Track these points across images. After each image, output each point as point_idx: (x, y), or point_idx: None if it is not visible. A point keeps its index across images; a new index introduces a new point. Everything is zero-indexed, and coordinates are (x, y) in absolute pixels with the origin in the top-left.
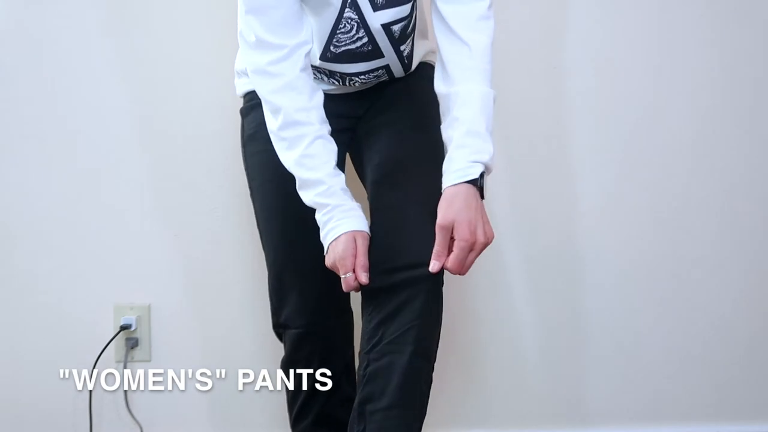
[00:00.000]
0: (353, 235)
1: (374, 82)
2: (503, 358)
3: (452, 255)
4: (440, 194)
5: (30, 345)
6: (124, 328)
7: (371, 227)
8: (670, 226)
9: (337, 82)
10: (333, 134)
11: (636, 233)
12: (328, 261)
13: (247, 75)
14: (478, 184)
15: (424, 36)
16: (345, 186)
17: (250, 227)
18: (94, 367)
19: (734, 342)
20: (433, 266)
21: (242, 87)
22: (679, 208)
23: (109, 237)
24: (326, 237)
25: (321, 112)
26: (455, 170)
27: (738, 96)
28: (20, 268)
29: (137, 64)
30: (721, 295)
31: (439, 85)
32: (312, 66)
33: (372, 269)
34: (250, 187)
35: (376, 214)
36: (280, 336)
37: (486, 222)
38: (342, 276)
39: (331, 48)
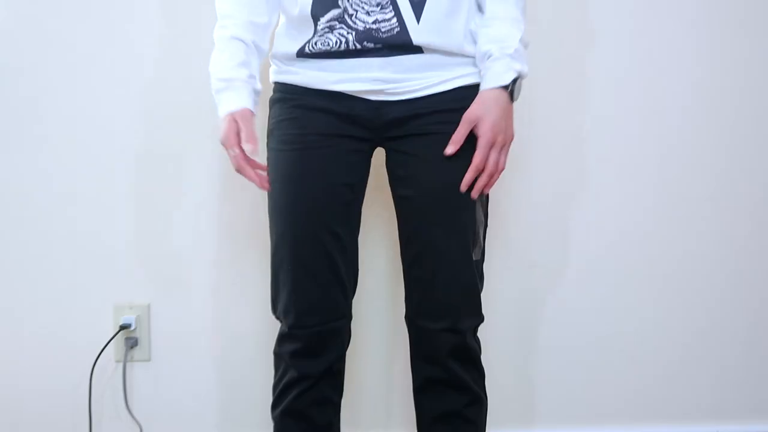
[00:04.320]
0: (232, 116)
1: (386, 34)
2: (502, 358)
3: (476, 153)
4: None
5: (30, 344)
6: (124, 327)
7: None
8: (668, 226)
9: (345, 33)
10: (348, 142)
11: (635, 233)
12: (219, 136)
13: (277, 62)
14: (509, 89)
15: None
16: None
17: (250, 227)
18: (93, 367)
19: (734, 342)
20: (449, 149)
21: (272, 75)
22: (677, 208)
23: (109, 236)
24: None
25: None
26: (490, 76)
27: (737, 98)
28: (19, 268)
29: (137, 63)
30: (720, 295)
31: None
32: (323, 19)
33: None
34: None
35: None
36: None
37: (509, 124)
38: (229, 154)
39: None
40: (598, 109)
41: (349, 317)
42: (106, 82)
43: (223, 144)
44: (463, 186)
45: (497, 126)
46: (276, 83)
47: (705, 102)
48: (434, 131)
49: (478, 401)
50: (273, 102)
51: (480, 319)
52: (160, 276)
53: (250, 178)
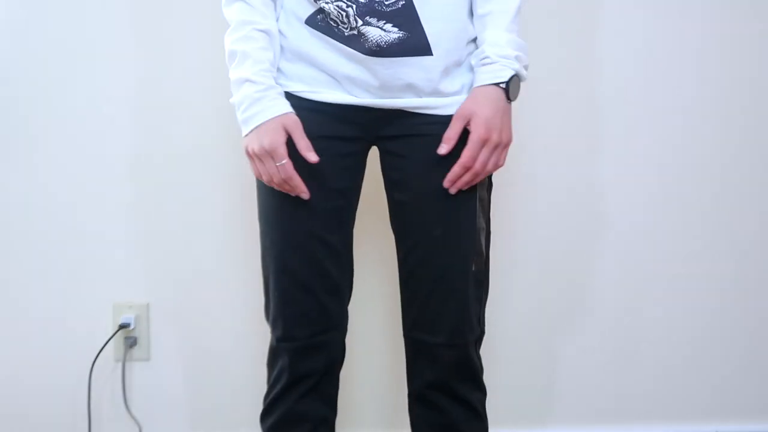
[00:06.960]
0: (281, 124)
1: (393, 32)
2: (501, 357)
3: (465, 149)
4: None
5: (29, 343)
6: (123, 326)
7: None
8: (671, 226)
9: (349, 24)
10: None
11: (635, 232)
12: (253, 147)
13: None
14: (505, 87)
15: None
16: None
17: (249, 226)
18: (92, 366)
19: (735, 342)
20: (441, 149)
21: None
22: (678, 207)
23: (108, 236)
24: (251, 119)
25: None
26: (485, 73)
27: (738, 96)
28: (19, 267)
29: (138, 65)
30: (720, 295)
31: None
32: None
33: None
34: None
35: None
36: None
37: (505, 124)
38: (277, 164)
39: None
40: (603, 108)
41: (343, 329)
42: (105, 82)
43: (271, 154)
44: (446, 183)
45: (491, 122)
46: None
47: (707, 102)
48: (426, 132)
49: (478, 418)
50: None
51: (478, 332)
52: (160, 276)
53: (297, 188)
